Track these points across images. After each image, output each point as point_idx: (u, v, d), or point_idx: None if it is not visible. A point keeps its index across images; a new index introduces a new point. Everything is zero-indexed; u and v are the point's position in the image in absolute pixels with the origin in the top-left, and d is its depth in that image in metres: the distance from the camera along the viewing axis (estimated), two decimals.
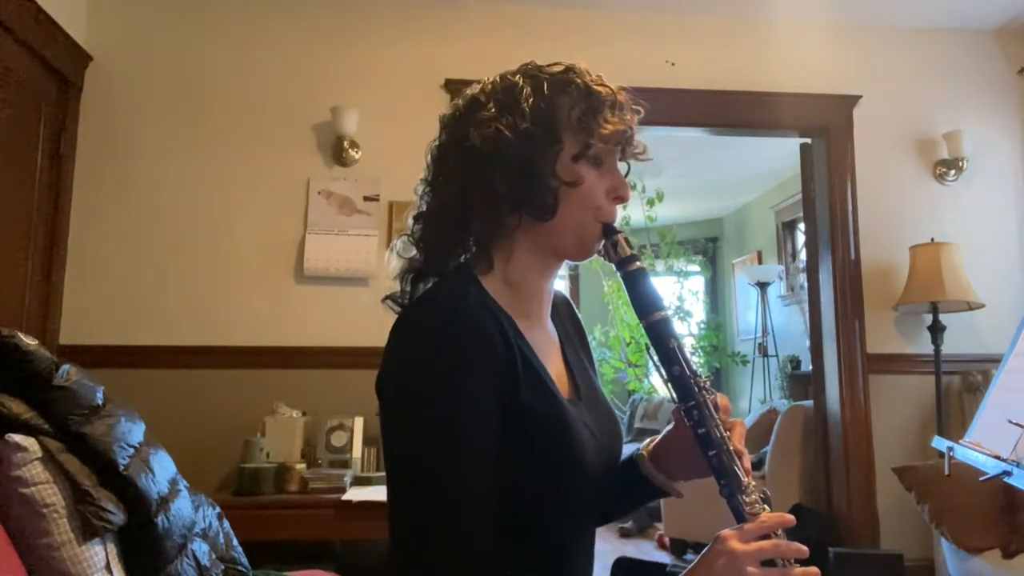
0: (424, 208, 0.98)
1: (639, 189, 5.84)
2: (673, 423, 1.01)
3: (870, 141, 3.43)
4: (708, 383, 0.92)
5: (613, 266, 0.95)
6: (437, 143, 0.99)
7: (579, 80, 0.95)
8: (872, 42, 3.50)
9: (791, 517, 0.82)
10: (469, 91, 0.98)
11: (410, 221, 0.99)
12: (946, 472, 1.58)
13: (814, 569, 0.80)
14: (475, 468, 0.82)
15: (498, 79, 0.97)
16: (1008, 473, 1.34)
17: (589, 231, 0.95)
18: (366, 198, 3.13)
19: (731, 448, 0.88)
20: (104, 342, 2.93)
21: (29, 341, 1.56)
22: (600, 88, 0.95)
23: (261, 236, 3.08)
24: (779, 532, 0.82)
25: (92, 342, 2.92)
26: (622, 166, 1.00)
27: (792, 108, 3.41)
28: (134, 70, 3.12)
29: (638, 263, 0.94)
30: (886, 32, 3.50)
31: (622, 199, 0.97)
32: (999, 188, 3.47)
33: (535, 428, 0.88)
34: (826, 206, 3.44)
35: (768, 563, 0.79)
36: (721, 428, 0.89)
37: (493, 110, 0.93)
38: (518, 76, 0.96)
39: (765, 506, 0.85)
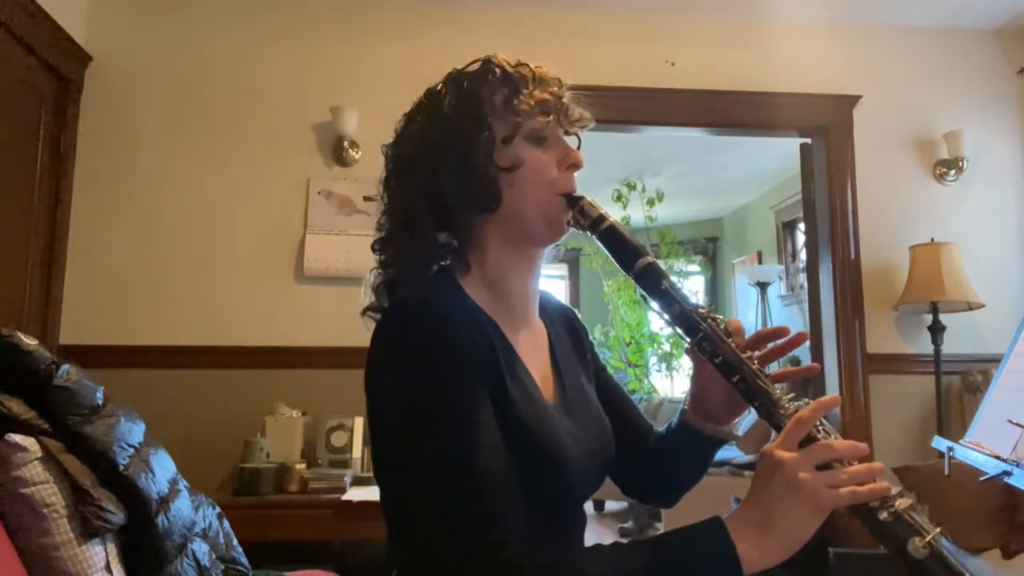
0: (384, 234, 0.98)
1: (639, 189, 5.84)
2: (694, 364, 1.00)
3: (870, 141, 3.43)
4: (712, 311, 0.90)
5: (587, 232, 0.95)
6: (385, 172, 1.01)
7: (496, 68, 0.97)
8: (872, 42, 3.49)
9: (831, 397, 0.78)
10: (403, 114, 1.02)
11: (371, 248, 0.99)
12: (946, 472, 1.58)
13: (879, 464, 0.75)
14: (485, 442, 0.81)
15: (424, 94, 1.01)
16: (1008, 473, 1.34)
17: (551, 207, 0.95)
18: (366, 198, 3.13)
19: (754, 368, 0.86)
20: (104, 342, 2.93)
21: (29, 341, 1.56)
22: (518, 69, 0.97)
23: (261, 236, 3.08)
24: (831, 432, 0.78)
25: (92, 342, 2.91)
26: (573, 141, 1.00)
27: (792, 108, 3.40)
28: (134, 70, 3.12)
29: (609, 221, 0.93)
30: (886, 32, 3.50)
31: (576, 166, 0.97)
32: (999, 188, 3.47)
33: (514, 430, 0.86)
34: (826, 206, 3.43)
35: (825, 467, 0.74)
36: (737, 351, 0.86)
37: (420, 121, 0.97)
38: (440, 85, 0.99)
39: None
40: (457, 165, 0.92)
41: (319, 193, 3.12)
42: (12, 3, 2.53)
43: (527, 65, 0.97)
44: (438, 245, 0.96)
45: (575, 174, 0.98)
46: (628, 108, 3.21)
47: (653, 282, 0.90)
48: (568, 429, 0.94)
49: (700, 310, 0.89)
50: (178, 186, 3.07)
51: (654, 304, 0.91)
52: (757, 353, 0.90)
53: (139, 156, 3.07)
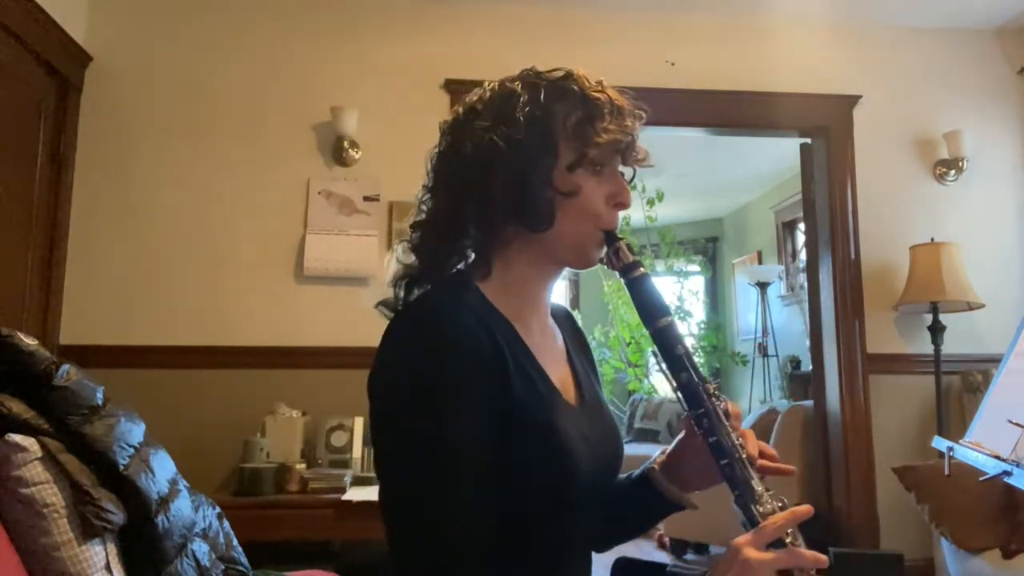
0: (422, 216, 0.97)
1: (639, 189, 5.84)
2: (684, 432, 0.99)
3: (870, 141, 3.43)
4: (717, 389, 0.90)
5: (616, 272, 0.94)
6: (437, 150, 0.98)
7: (576, 87, 0.94)
8: (872, 42, 3.50)
9: (805, 508, 0.80)
10: (468, 98, 0.98)
11: (408, 228, 0.98)
12: (946, 472, 1.58)
13: None
14: (464, 477, 0.81)
15: (497, 86, 0.96)
16: (1008, 473, 1.33)
17: (589, 240, 0.94)
18: (366, 198, 3.13)
19: (743, 456, 0.86)
20: (104, 342, 2.93)
21: (29, 341, 1.56)
22: (598, 95, 0.93)
23: (261, 236, 3.08)
24: (798, 538, 0.80)
25: (92, 342, 2.92)
26: (626, 171, 0.98)
27: (792, 108, 3.41)
28: (134, 70, 3.12)
29: (641, 269, 0.92)
30: (886, 32, 3.50)
31: (623, 205, 0.95)
32: (999, 188, 3.47)
33: (525, 435, 0.86)
34: (826, 206, 3.44)
35: (785, 572, 0.77)
36: (732, 436, 0.87)
37: (489, 120, 0.92)
38: (516, 83, 0.95)
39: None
40: (514, 179, 0.90)
41: (319, 193, 3.12)
42: (12, 3, 2.53)
43: (607, 92, 0.94)
44: (466, 244, 0.95)
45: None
46: None
47: (670, 344, 0.90)
48: (582, 432, 0.93)
49: (707, 384, 0.89)
50: (178, 186, 3.07)
51: (663, 364, 0.90)
52: (743, 442, 0.89)
53: (139, 156, 3.07)
